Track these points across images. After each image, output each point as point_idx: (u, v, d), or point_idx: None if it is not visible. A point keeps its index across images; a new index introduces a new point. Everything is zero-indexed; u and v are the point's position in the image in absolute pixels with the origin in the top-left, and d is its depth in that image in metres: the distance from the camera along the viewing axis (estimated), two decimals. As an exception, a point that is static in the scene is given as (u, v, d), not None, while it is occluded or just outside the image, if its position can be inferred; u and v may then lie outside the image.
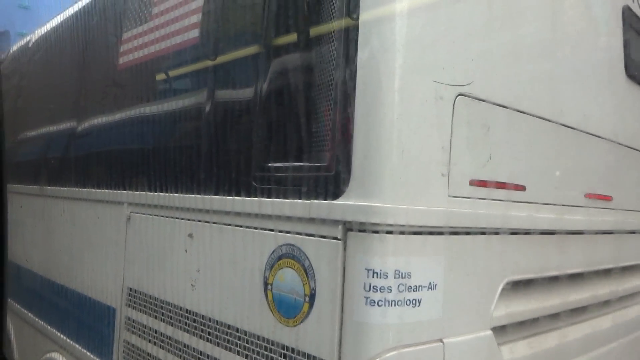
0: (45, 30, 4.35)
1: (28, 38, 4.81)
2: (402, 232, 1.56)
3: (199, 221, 2.20)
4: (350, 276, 1.57)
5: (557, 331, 2.21)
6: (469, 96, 1.71)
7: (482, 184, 1.78)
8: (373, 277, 1.53)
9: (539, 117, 2.02)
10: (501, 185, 1.86)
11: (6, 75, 4.78)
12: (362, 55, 1.60)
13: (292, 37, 1.89)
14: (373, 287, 1.53)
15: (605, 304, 2.59)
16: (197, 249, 2.20)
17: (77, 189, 3.34)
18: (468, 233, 1.74)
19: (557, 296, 2.19)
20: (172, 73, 2.65)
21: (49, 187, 3.84)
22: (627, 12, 2.65)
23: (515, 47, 1.98)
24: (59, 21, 4.08)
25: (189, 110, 2.43)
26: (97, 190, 3.07)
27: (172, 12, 2.56)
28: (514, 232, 1.93)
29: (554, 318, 2.18)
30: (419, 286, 1.58)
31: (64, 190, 3.55)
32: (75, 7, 3.78)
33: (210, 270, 2.11)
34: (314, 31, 1.81)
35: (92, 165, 3.32)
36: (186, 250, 2.24)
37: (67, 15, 3.93)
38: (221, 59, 2.25)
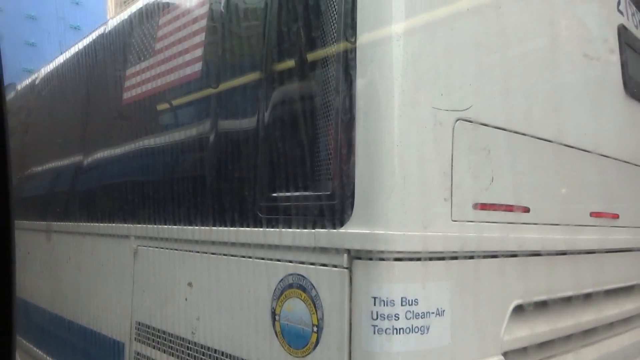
0: (51, 67, 4.43)
1: (34, 75, 4.90)
2: (406, 259, 1.56)
3: (205, 253, 2.20)
4: (357, 305, 1.56)
5: (569, 354, 2.18)
6: (468, 120, 1.73)
7: (486, 207, 1.78)
8: (380, 305, 1.53)
9: (539, 138, 2.03)
10: (505, 208, 1.86)
11: (13, 112, 4.85)
12: (361, 82, 1.62)
13: (292, 65, 1.93)
14: (380, 315, 1.52)
15: (617, 324, 2.55)
16: (201, 285, 2.20)
17: (83, 223, 3.36)
18: (473, 257, 1.73)
19: (567, 318, 2.16)
20: (175, 106, 2.68)
21: (55, 222, 3.86)
22: (622, 31, 2.67)
23: (513, 70, 2.00)
24: (65, 58, 4.16)
25: (193, 142, 2.46)
26: (104, 224, 3.08)
27: (175, 46, 2.61)
28: (521, 254, 1.92)
29: (566, 340, 2.15)
30: (427, 312, 1.57)
31: (71, 225, 3.56)
32: (81, 45, 3.85)
33: (218, 301, 2.10)
34: (312, 58, 1.84)
35: (98, 199, 3.34)
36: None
37: (73, 52, 4.01)
38: (223, 90, 2.29)
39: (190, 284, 2.25)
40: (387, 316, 1.52)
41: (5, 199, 1.19)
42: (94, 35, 3.64)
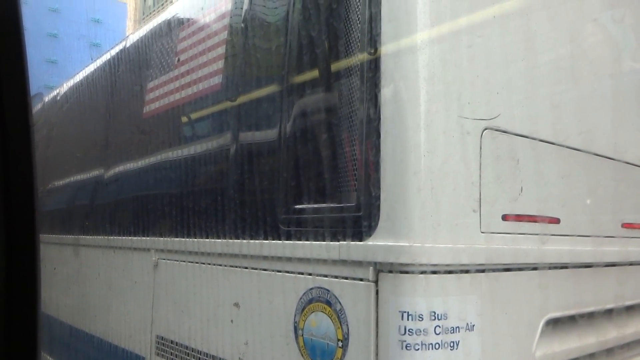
0: (73, 83, 4.49)
1: (56, 91, 4.96)
2: (435, 272, 1.52)
3: (227, 266, 2.18)
4: (384, 319, 1.52)
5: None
6: (496, 130, 1.68)
7: (515, 218, 1.73)
8: (408, 319, 1.48)
9: (569, 148, 1.98)
10: (535, 219, 1.80)
11: (37, 127, 4.91)
12: (386, 92, 1.59)
13: (314, 76, 1.90)
14: (409, 330, 1.48)
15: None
16: (227, 293, 2.17)
17: (104, 237, 3.36)
18: (504, 269, 1.68)
19: (601, 332, 2.08)
20: (195, 119, 2.68)
21: (76, 236, 3.87)
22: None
23: (541, 78, 1.95)
24: (86, 74, 4.20)
25: (214, 155, 2.44)
26: (124, 237, 3.08)
27: (195, 59, 2.61)
28: (551, 267, 1.86)
29: (599, 356, 2.07)
30: (456, 327, 1.52)
31: (91, 238, 3.57)
32: (101, 61, 3.89)
33: (244, 316, 2.07)
34: (335, 68, 1.82)
35: (119, 212, 3.35)
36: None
37: (94, 68, 4.05)
38: (245, 102, 2.27)
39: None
40: (416, 331, 1.47)
41: (31, 212, 1.17)
42: (115, 50, 3.67)
